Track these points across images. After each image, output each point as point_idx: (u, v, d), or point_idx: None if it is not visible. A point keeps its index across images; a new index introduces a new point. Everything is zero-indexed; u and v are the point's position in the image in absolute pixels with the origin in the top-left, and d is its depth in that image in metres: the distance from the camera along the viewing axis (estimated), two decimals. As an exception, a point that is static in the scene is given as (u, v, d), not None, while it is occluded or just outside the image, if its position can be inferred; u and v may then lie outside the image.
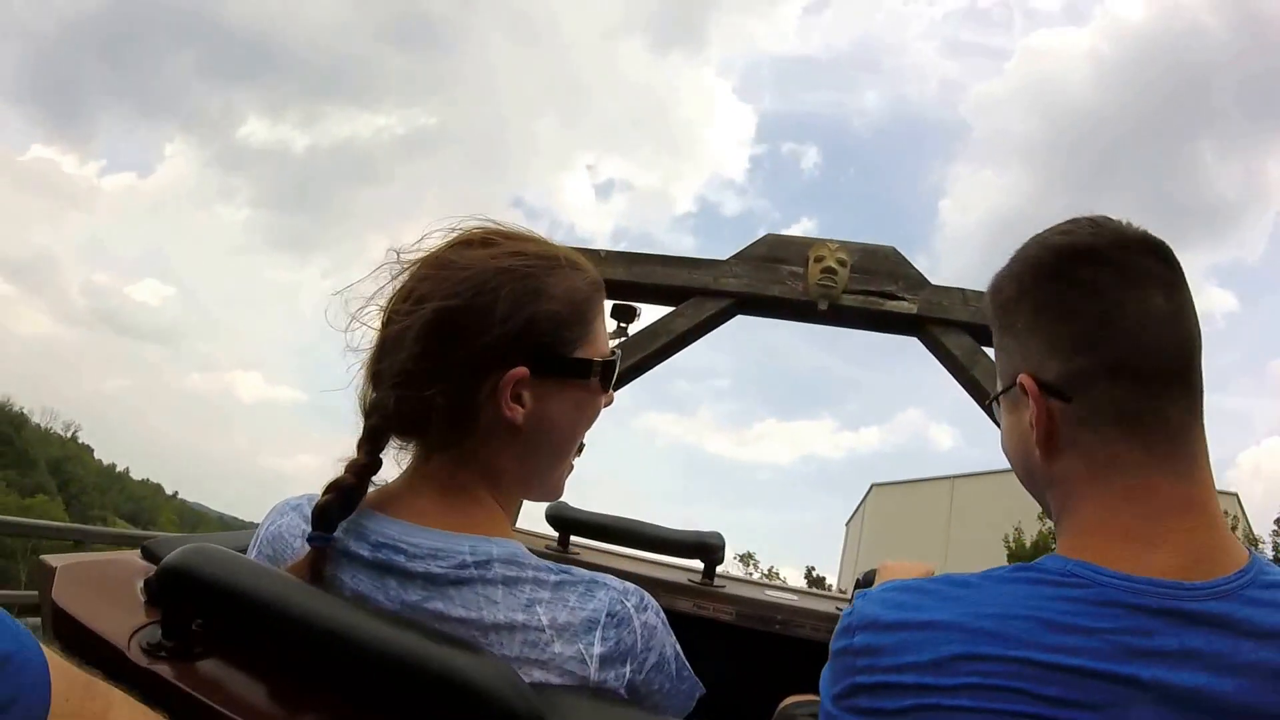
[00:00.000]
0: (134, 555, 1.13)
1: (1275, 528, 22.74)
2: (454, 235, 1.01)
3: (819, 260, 3.43)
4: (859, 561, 42.74)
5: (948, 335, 3.43)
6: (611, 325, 3.55)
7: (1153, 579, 0.82)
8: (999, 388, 1.01)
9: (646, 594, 0.94)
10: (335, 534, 0.93)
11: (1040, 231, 0.98)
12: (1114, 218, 0.95)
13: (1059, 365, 0.91)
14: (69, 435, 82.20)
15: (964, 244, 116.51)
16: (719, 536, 2.01)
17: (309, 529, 0.93)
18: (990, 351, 1.94)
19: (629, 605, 0.91)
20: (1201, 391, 0.91)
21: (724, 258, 3.60)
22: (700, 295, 3.55)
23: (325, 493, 0.93)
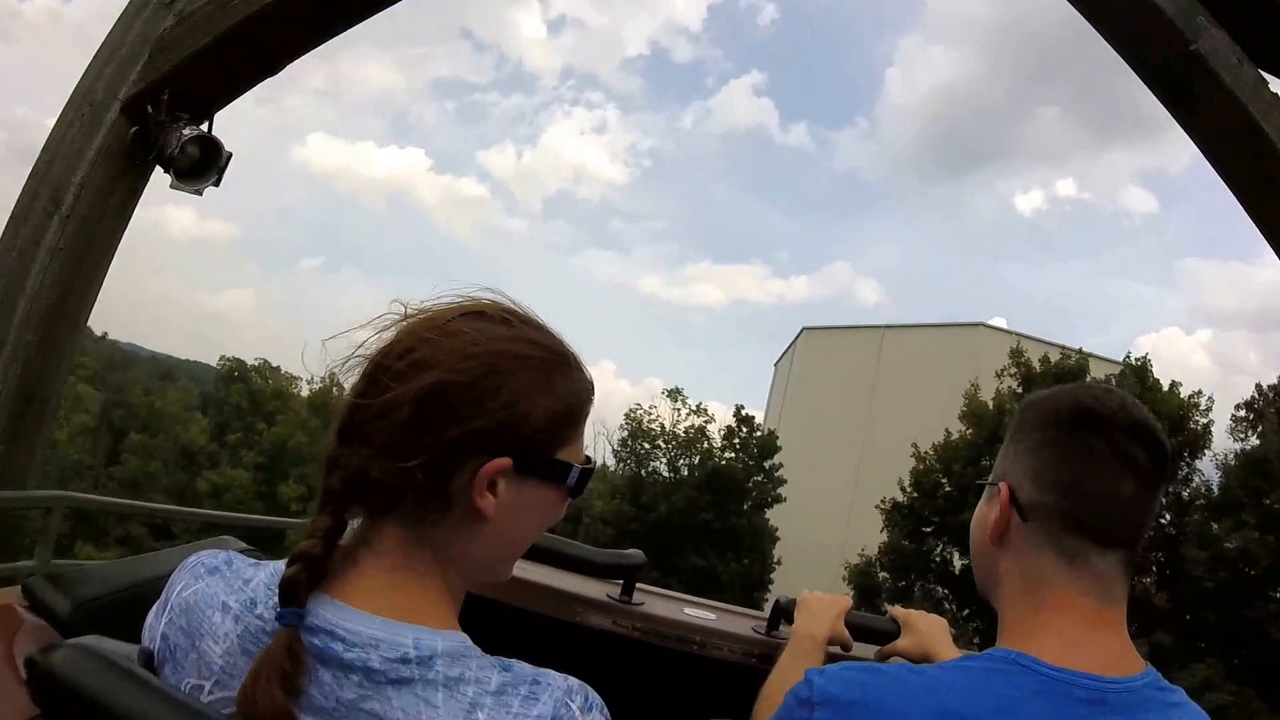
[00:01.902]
0: (14, 601, 1.07)
1: (1235, 414, 21.68)
2: (464, 301, 0.93)
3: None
4: (785, 402, 41.87)
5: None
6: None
7: (1081, 672, 0.96)
8: (990, 479, 1.14)
9: (591, 691, 0.87)
10: (264, 613, 0.85)
11: (1088, 384, 1.18)
12: (1141, 406, 1.07)
13: (1033, 491, 1.05)
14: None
15: (906, 115, 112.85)
16: (639, 556, 1.95)
17: (229, 600, 0.87)
18: None
19: (574, 708, 0.84)
20: (1135, 558, 1.05)
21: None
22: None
23: (291, 563, 0.83)
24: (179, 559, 0.95)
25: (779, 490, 30.80)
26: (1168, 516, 19.23)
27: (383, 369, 0.86)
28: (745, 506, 30.54)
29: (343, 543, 0.87)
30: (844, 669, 1.01)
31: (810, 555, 33.97)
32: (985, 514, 1.11)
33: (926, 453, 22.87)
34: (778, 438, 31.28)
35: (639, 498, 30.42)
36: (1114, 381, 19.04)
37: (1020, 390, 19.68)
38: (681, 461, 31.60)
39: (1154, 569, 17.91)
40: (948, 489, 21.04)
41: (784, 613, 1.76)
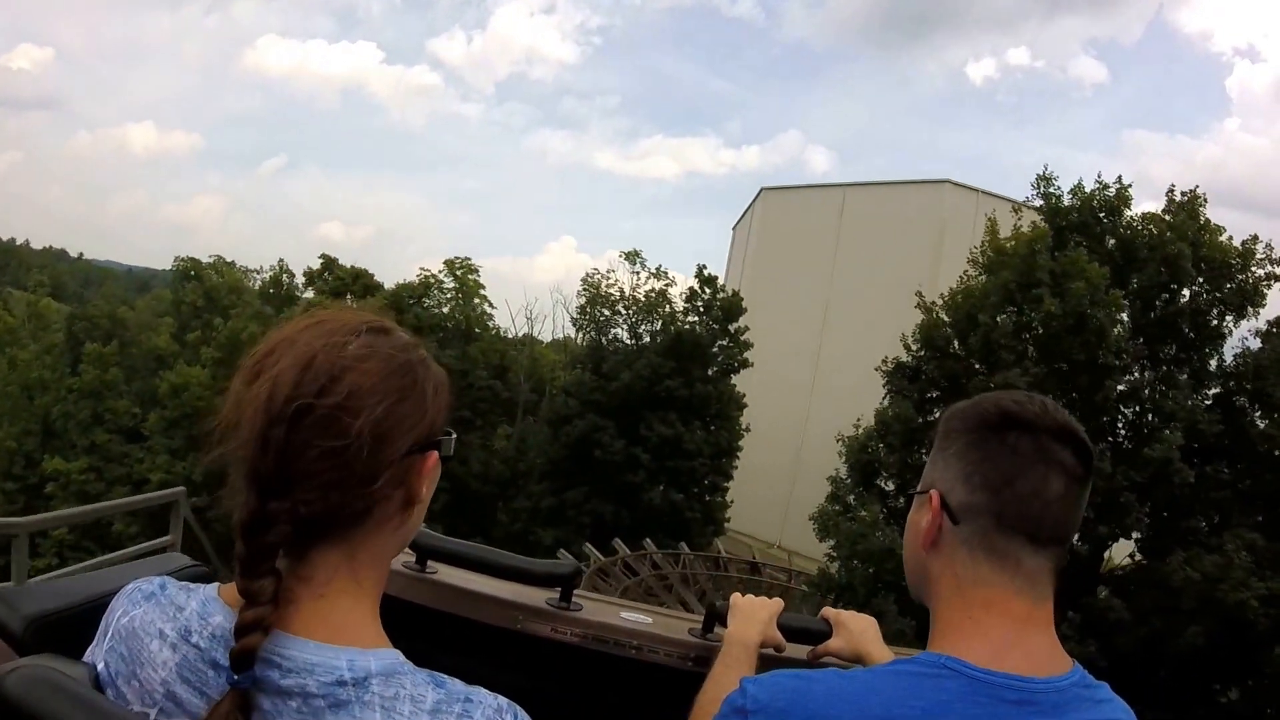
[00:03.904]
0: None
1: None
2: (331, 314, 0.93)
3: None
4: (746, 264, 39.50)
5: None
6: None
7: (1009, 674, 0.97)
8: (919, 488, 1.12)
9: (520, 710, 0.88)
10: (200, 642, 0.85)
11: (1009, 391, 1.12)
12: (1063, 410, 1.07)
13: (963, 494, 1.05)
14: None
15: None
16: (574, 564, 1.94)
17: (165, 628, 0.86)
18: None
19: None
20: (1063, 555, 1.05)
21: None
22: None
23: (244, 632, 0.81)
24: (129, 575, 0.99)
25: (745, 355, 28.68)
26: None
27: (310, 407, 0.83)
28: (711, 372, 28.51)
29: None
30: (777, 676, 1.04)
31: (778, 421, 32.51)
32: (917, 521, 1.11)
33: (934, 303, 17.39)
34: (742, 299, 28.93)
35: (600, 366, 28.29)
36: (1163, 214, 15.80)
37: (1045, 223, 15.88)
38: (643, 327, 29.38)
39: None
40: (969, 343, 16.10)
41: (718, 616, 1.75)
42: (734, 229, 46.31)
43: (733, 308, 28.60)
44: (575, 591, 1.91)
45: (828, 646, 1.59)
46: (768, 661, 1.43)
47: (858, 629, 1.59)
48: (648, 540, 22.70)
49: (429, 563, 1.91)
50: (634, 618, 1.90)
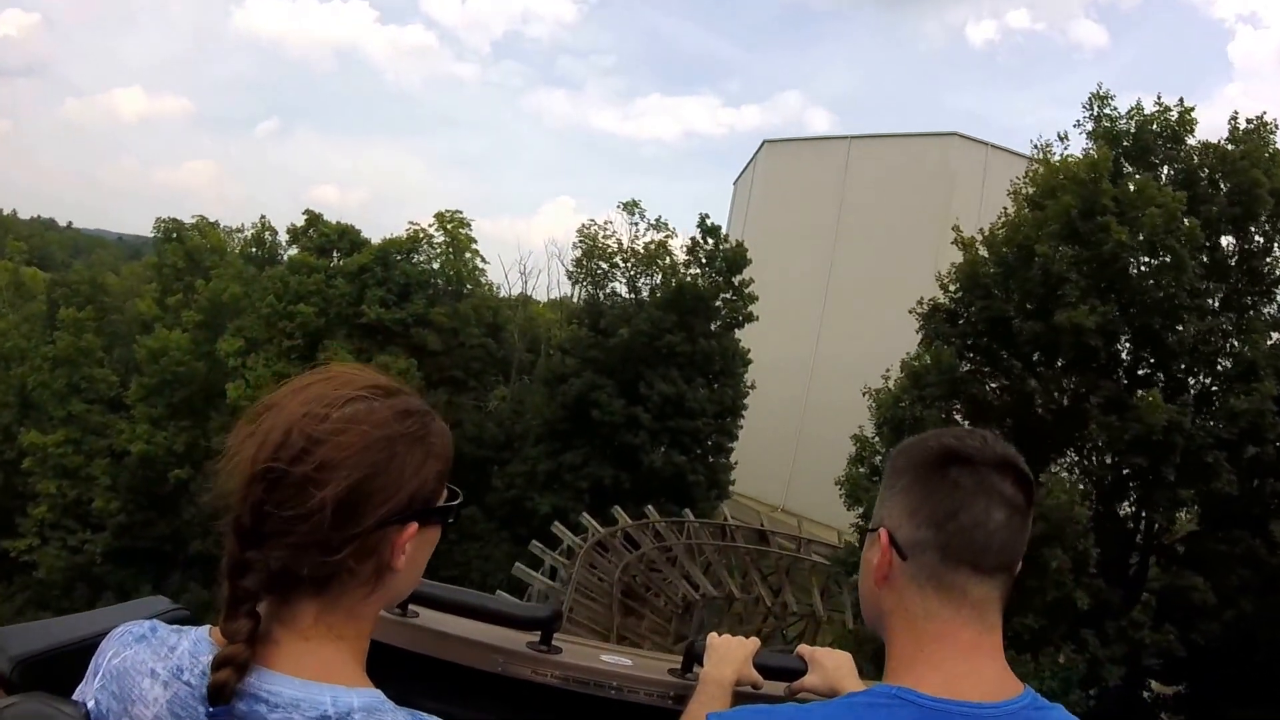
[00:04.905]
0: None
1: None
2: (323, 379, 0.96)
3: None
4: (747, 220, 37.23)
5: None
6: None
7: (961, 700, 1.00)
8: (870, 526, 1.15)
9: None
10: (191, 680, 0.88)
11: (950, 429, 1.17)
12: (1003, 443, 1.10)
13: (909, 530, 1.08)
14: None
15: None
16: (554, 608, 2.00)
17: (157, 667, 0.89)
18: None
19: None
20: (1008, 584, 1.07)
21: None
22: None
23: (218, 667, 0.85)
24: (114, 618, 1.01)
25: (750, 309, 26.49)
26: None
27: (284, 473, 0.87)
28: (714, 327, 26.34)
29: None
30: (738, 712, 1.11)
31: (781, 381, 30.54)
32: (869, 558, 1.14)
33: (973, 237, 14.28)
34: (746, 250, 26.67)
35: (598, 322, 26.14)
36: (1225, 143, 13.42)
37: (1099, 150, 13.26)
38: (642, 281, 27.12)
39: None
40: (1027, 276, 13.06)
41: (696, 656, 1.71)
42: (734, 184, 43.94)
43: (737, 259, 26.37)
44: (555, 634, 1.88)
45: (803, 683, 1.60)
46: (743, 699, 1.49)
47: (832, 665, 1.60)
48: (650, 508, 20.81)
49: (409, 605, 1.84)
50: (614, 659, 1.90)
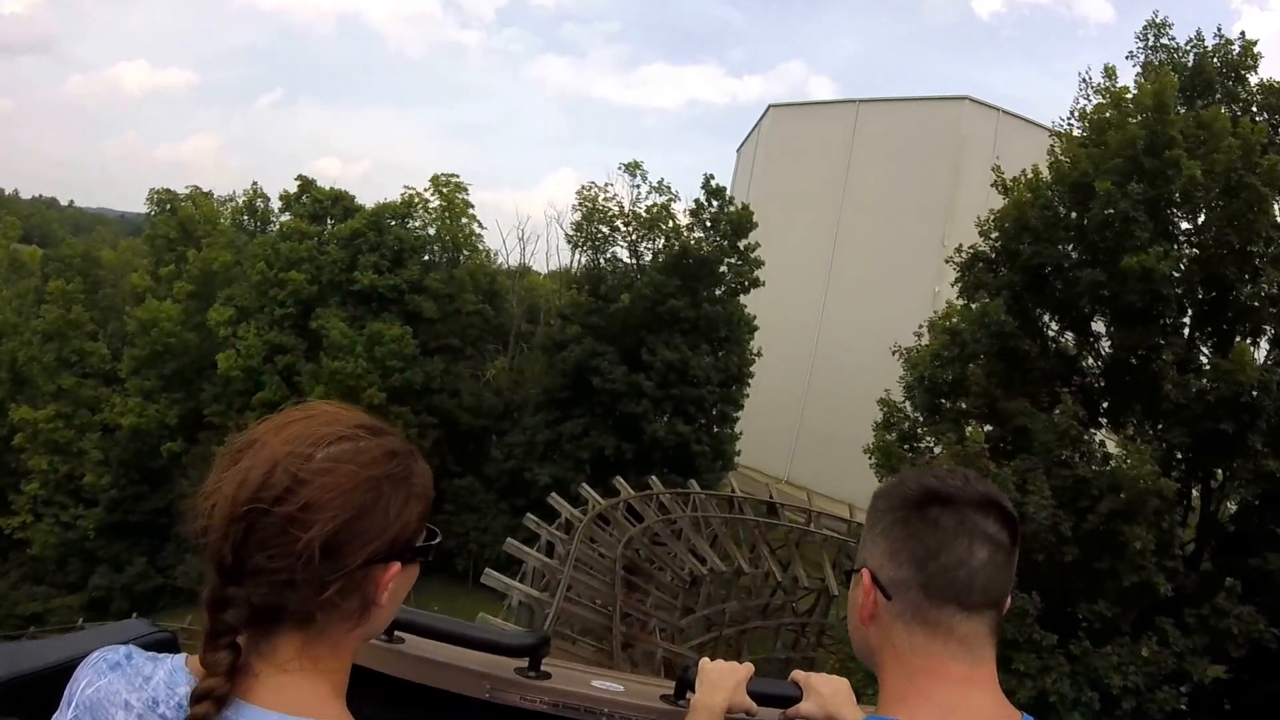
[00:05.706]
0: None
1: None
2: (305, 418, 0.92)
3: None
4: (751, 185, 35.47)
5: None
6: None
7: None
8: (854, 566, 1.13)
9: None
10: (166, 712, 0.86)
11: (931, 469, 1.12)
12: (985, 481, 1.08)
13: (892, 570, 1.05)
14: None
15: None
16: (542, 634, 1.89)
17: (131, 698, 0.87)
18: None
19: None
20: (997, 619, 1.05)
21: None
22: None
23: (197, 700, 0.84)
24: (90, 642, 0.98)
25: (756, 273, 24.90)
26: None
27: (267, 513, 0.85)
28: (719, 292, 24.77)
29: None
30: None
31: (786, 351, 29.07)
32: (855, 598, 1.12)
33: (1018, 179, 12.29)
34: (752, 213, 25.01)
35: (598, 287, 24.60)
36: None
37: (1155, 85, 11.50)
38: (644, 245, 25.54)
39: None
40: (1088, 214, 11.10)
41: (688, 683, 1.67)
42: (738, 151, 42.11)
43: (742, 222, 24.75)
44: (544, 660, 1.84)
45: (799, 710, 1.54)
46: None
47: (829, 691, 1.53)
48: (653, 478, 19.35)
49: (395, 631, 1.79)
50: (605, 685, 1.85)
